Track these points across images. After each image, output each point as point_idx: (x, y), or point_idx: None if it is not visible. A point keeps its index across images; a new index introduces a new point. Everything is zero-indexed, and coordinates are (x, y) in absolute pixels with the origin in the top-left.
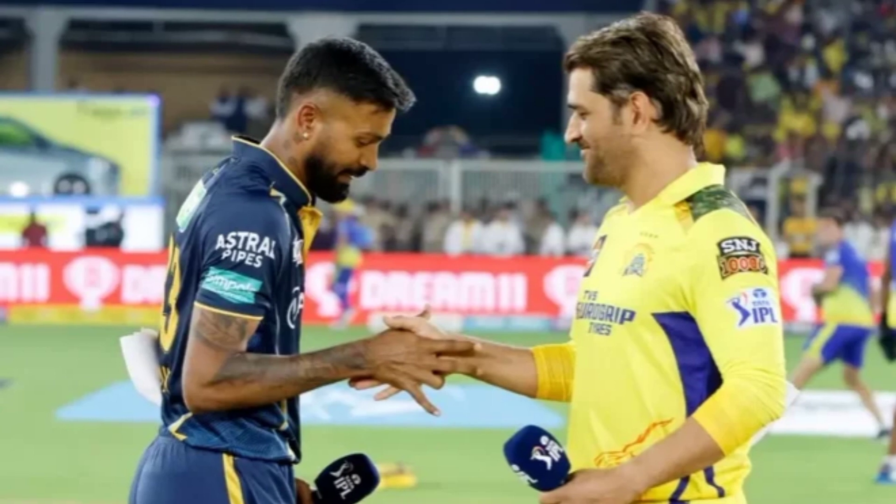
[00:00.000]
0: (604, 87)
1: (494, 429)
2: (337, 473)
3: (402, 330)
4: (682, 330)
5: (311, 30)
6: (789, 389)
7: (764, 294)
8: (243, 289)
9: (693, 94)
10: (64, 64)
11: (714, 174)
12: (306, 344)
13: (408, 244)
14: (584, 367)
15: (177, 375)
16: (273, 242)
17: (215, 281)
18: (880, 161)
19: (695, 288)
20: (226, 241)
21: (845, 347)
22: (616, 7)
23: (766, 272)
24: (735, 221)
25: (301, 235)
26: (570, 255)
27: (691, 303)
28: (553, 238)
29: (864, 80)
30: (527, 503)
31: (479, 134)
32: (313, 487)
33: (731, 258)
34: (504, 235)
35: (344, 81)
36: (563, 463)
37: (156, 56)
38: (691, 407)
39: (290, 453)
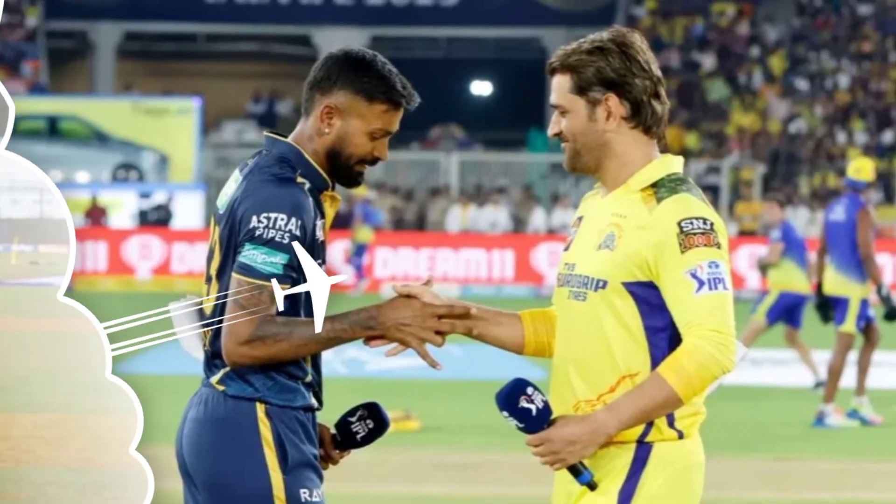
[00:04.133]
0: (581, 89)
1: (487, 381)
2: (353, 419)
3: (408, 297)
4: (647, 297)
5: (331, 41)
6: (739, 347)
7: (717, 266)
8: (274, 261)
9: (657, 96)
10: (121, 70)
11: (675, 164)
12: (327, 309)
13: (413, 223)
14: (563, 329)
15: (217, 335)
16: (299, 222)
17: (250, 255)
18: (816, 153)
19: (658, 260)
20: (258, 221)
21: (786, 311)
22: (591, 21)
23: (718, 247)
24: (692, 204)
25: (322, 216)
26: (552, 233)
27: (655, 273)
28: (537, 218)
29: (802, 84)
30: (515, 444)
31: (474, 129)
32: (333, 431)
33: (689, 235)
34: (496, 216)
35: (359, 85)
36: (545, 410)
37: (199, 63)
38: (655, 362)
39: (314, 402)
